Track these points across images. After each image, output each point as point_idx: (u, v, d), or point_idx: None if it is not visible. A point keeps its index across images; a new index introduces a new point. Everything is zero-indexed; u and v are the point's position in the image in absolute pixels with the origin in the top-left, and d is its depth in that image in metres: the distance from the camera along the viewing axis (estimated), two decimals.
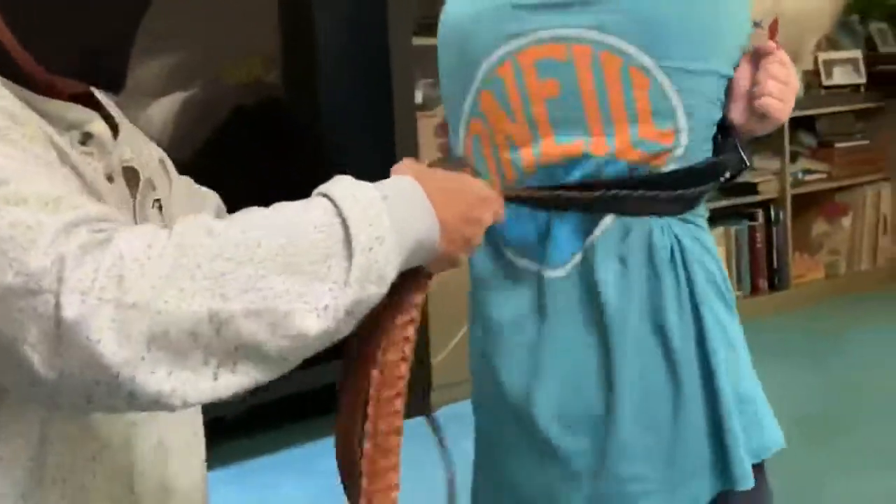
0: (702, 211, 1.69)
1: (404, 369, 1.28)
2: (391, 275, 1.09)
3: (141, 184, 1.29)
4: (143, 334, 0.94)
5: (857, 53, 5.82)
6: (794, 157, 5.56)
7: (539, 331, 1.66)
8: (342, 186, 1.10)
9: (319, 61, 4.34)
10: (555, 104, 1.62)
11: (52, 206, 0.97)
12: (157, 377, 0.95)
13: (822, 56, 5.74)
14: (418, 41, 4.20)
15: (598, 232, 1.62)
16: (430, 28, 4.48)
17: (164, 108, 3.86)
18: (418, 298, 1.27)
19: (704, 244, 1.67)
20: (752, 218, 5.41)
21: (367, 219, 1.07)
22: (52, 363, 0.94)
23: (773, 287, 5.51)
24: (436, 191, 1.19)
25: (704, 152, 1.64)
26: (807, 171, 5.67)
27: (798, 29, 5.86)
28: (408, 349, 1.27)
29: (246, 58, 4.25)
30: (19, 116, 1.07)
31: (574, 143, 1.61)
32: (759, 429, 1.71)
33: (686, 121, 1.60)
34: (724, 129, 1.66)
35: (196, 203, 1.49)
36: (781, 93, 1.64)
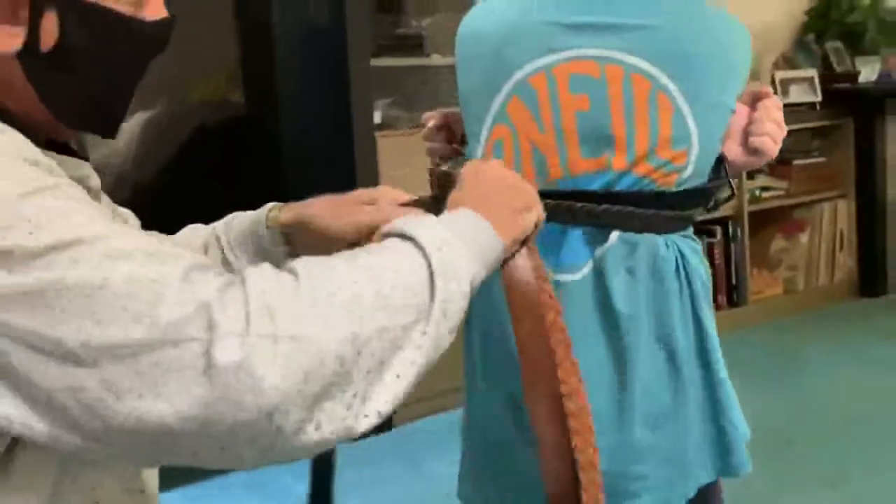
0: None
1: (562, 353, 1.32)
2: (466, 272, 1.11)
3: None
4: (300, 366, 0.94)
5: (813, 72, 5.87)
6: (751, 175, 5.59)
7: None
8: (407, 222, 1.15)
9: (279, 81, 4.35)
10: (584, 117, 1.70)
11: (159, 258, 0.97)
12: (306, 409, 0.95)
13: (779, 75, 5.79)
14: (377, 62, 4.22)
15: (608, 244, 1.70)
16: (388, 49, 4.52)
17: (128, 127, 3.86)
18: (548, 288, 1.33)
19: (699, 254, 1.78)
20: (711, 234, 5.44)
21: (434, 234, 1.12)
22: (195, 414, 0.92)
23: (731, 303, 5.54)
24: (475, 201, 1.24)
25: (702, 179, 1.74)
26: (764, 188, 5.71)
27: (755, 48, 5.89)
28: (564, 336, 1.32)
29: (204, 79, 4.25)
30: (58, 172, 1.06)
31: (601, 158, 1.69)
32: (741, 420, 1.82)
33: (698, 148, 1.70)
34: (717, 161, 1.76)
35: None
36: (776, 134, 1.75)
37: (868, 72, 5.97)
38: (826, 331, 5.39)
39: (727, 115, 1.74)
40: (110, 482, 1.16)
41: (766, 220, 5.77)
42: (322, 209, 1.46)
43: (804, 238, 5.88)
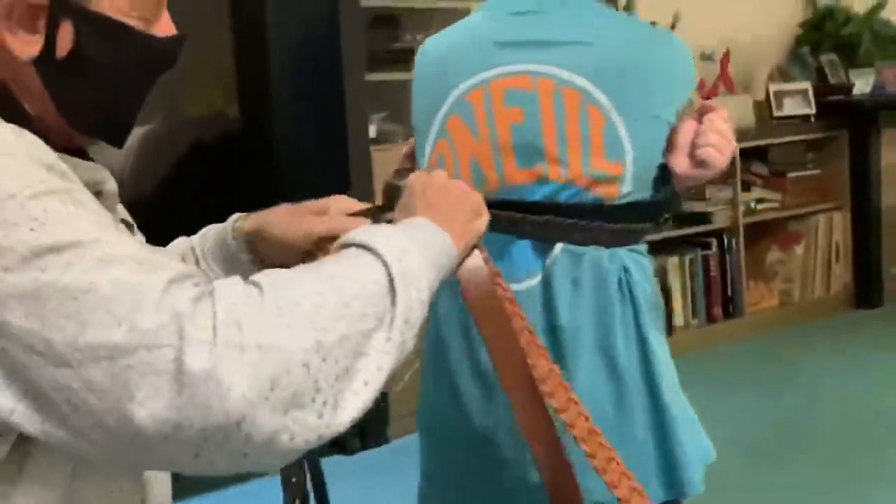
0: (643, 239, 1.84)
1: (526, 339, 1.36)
2: (424, 280, 1.16)
3: (135, 235, 1.36)
4: (267, 374, 0.97)
5: (808, 84, 5.89)
6: (746, 187, 5.61)
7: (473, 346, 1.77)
8: (365, 232, 1.19)
9: (274, 96, 4.36)
10: (518, 130, 1.75)
11: (147, 267, 1.01)
12: (276, 417, 0.98)
13: (774, 87, 5.81)
14: (371, 76, 4.23)
15: (554, 253, 1.75)
16: (383, 63, 4.52)
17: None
18: (500, 281, 1.38)
19: (646, 270, 1.82)
20: (706, 247, 5.45)
21: (393, 244, 1.15)
22: (167, 418, 0.95)
23: (727, 315, 5.55)
24: (428, 210, 1.30)
25: (646, 193, 1.78)
26: (759, 201, 5.72)
27: (750, 60, 5.93)
28: (524, 323, 1.38)
29: (200, 93, 4.26)
30: (70, 176, 1.10)
31: (534, 168, 1.75)
32: (698, 441, 1.84)
33: (633, 159, 1.75)
34: (664, 176, 1.80)
35: None
36: (721, 145, 1.78)
37: (862, 84, 5.98)
38: (822, 342, 5.39)
39: (665, 129, 1.79)
40: (121, 477, 1.19)
41: (762, 232, 5.78)
42: (277, 219, 1.51)
43: (800, 250, 5.89)
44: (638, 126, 1.75)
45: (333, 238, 1.34)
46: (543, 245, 1.75)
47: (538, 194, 1.76)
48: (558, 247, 1.75)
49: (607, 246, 1.76)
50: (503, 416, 1.73)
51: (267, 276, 1.06)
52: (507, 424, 1.73)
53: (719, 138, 1.78)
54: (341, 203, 1.50)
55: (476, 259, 1.35)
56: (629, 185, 1.76)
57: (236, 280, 1.05)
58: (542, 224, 1.72)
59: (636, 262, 1.80)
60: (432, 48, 1.92)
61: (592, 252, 1.75)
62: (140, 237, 1.52)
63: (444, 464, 1.90)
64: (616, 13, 1.87)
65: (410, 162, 1.97)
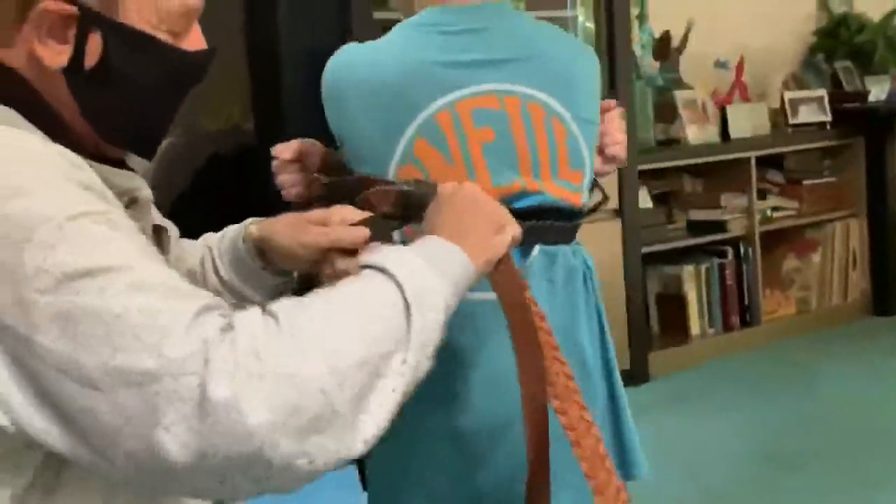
0: None
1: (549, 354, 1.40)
2: (440, 300, 1.16)
3: (171, 240, 1.41)
4: (286, 401, 0.99)
5: (823, 92, 5.88)
6: (762, 195, 5.60)
7: (470, 348, 1.78)
8: (380, 255, 1.20)
9: (288, 109, 4.38)
10: (490, 148, 1.79)
11: (177, 295, 1.03)
12: (295, 442, 1.00)
13: (789, 95, 5.81)
14: None
15: (532, 256, 1.81)
16: None
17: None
18: (529, 295, 1.43)
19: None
20: (722, 255, 5.43)
21: (406, 266, 1.17)
22: (192, 445, 0.97)
23: (744, 323, 5.53)
24: (450, 230, 1.31)
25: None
26: (775, 209, 5.71)
27: (764, 68, 5.93)
28: (549, 338, 1.43)
29: (217, 106, 4.28)
30: (108, 195, 1.12)
31: (512, 184, 1.79)
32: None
33: (588, 164, 1.86)
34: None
35: None
36: (624, 139, 1.97)
37: (878, 91, 5.98)
38: (839, 350, 5.38)
39: (597, 131, 1.90)
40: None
41: (778, 240, 5.77)
42: (282, 227, 1.52)
43: (816, 258, 5.87)
44: (586, 131, 1.85)
45: (338, 249, 1.38)
46: (522, 248, 1.78)
47: (525, 204, 1.80)
48: (536, 248, 1.80)
49: (567, 242, 1.85)
50: (475, 417, 1.78)
51: (283, 306, 1.07)
52: (480, 423, 1.78)
53: (622, 135, 1.95)
54: (343, 213, 1.49)
55: (510, 269, 1.37)
56: (585, 190, 1.87)
57: (255, 311, 1.06)
58: (527, 230, 1.76)
59: (588, 256, 1.89)
60: (368, 72, 1.81)
61: (563, 250, 1.83)
62: (175, 233, 1.54)
63: (409, 469, 1.89)
64: (536, 22, 1.94)
65: (298, 168, 1.87)
